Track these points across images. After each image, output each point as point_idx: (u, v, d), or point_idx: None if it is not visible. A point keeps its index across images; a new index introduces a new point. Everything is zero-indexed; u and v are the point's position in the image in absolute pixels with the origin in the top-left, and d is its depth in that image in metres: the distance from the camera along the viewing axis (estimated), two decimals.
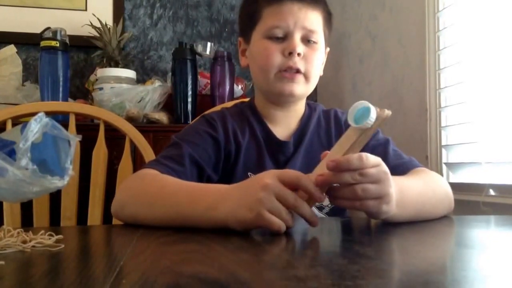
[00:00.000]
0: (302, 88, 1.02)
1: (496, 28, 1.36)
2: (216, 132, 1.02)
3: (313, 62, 1.01)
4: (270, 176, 0.70)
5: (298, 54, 0.98)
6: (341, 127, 1.09)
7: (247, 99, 1.18)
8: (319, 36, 1.02)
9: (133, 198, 0.87)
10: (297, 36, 0.99)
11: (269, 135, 1.06)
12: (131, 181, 0.92)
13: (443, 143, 1.56)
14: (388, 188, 0.72)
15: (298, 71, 0.99)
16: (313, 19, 1.01)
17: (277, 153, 1.04)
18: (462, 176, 1.48)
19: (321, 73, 1.09)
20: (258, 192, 0.68)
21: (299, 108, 1.09)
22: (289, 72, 0.99)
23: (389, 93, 1.86)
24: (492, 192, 1.34)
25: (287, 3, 0.99)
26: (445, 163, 1.54)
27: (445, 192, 0.93)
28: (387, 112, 0.70)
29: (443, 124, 1.56)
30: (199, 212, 0.75)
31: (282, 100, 1.05)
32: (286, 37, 0.99)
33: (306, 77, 1.01)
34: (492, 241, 0.73)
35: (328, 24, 1.06)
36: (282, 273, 0.47)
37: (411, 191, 0.82)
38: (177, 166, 0.93)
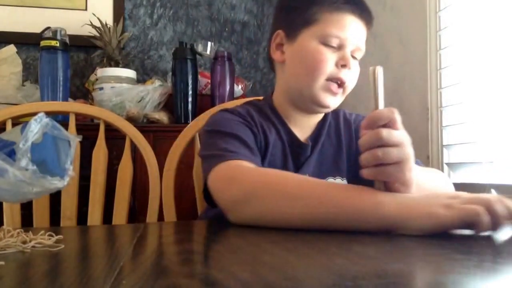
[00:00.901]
0: (338, 101, 1.03)
1: (497, 28, 1.36)
2: (249, 123, 1.01)
3: (355, 78, 1.02)
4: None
5: (349, 68, 0.99)
6: (350, 128, 1.10)
7: (260, 98, 1.16)
8: (362, 54, 1.04)
9: (263, 189, 0.77)
10: (349, 50, 0.99)
11: (291, 137, 1.05)
12: (247, 177, 0.82)
13: (444, 142, 1.56)
14: (407, 152, 0.69)
15: (341, 84, 0.99)
16: (364, 37, 1.03)
17: (298, 155, 1.05)
18: (463, 176, 1.48)
19: None
20: (451, 199, 0.65)
21: (320, 115, 1.10)
22: (335, 83, 0.99)
23: (390, 92, 1.85)
24: (493, 192, 1.33)
25: (350, 16, 0.99)
26: (446, 163, 1.54)
27: (448, 189, 0.95)
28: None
29: (444, 124, 1.56)
30: (364, 206, 0.68)
31: (315, 109, 1.04)
32: (339, 48, 0.99)
33: (344, 91, 1.01)
34: (492, 240, 0.73)
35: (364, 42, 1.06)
36: (282, 273, 0.47)
37: (422, 179, 0.80)
38: (251, 155, 0.90)
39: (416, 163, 1.00)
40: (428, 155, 1.58)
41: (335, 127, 1.10)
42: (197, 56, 2.02)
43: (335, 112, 1.13)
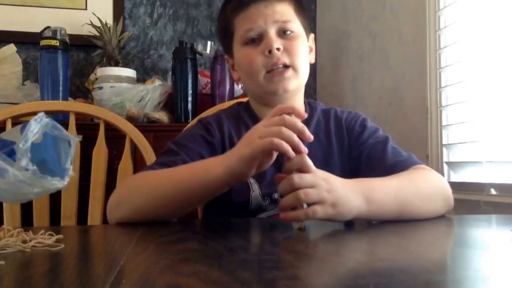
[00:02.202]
0: (294, 82, 1.01)
1: (497, 27, 1.36)
2: (211, 136, 1.02)
3: (296, 52, 1.01)
4: (260, 124, 0.77)
5: (278, 49, 0.98)
6: (341, 126, 1.07)
7: (245, 99, 1.17)
8: (295, 25, 1.02)
9: (127, 194, 0.88)
10: (272, 33, 0.99)
11: None
12: (123, 184, 0.95)
13: (444, 142, 1.56)
14: (325, 191, 0.73)
15: (284, 65, 0.99)
16: (283, 11, 1.01)
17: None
18: (463, 176, 1.48)
19: (312, 61, 1.09)
20: (256, 131, 0.76)
21: (297, 107, 1.08)
22: (276, 70, 0.99)
23: (389, 92, 1.85)
24: (493, 191, 1.34)
25: (252, 6, 1.00)
26: (446, 162, 1.54)
27: (437, 190, 0.91)
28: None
29: (443, 123, 1.56)
30: (196, 178, 0.80)
31: (277, 99, 1.03)
32: (262, 38, 1.00)
33: (295, 69, 1.01)
34: (493, 240, 0.73)
35: (301, 12, 1.06)
36: (282, 273, 0.47)
37: (384, 189, 0.82)
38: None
39: (411, 158, 1.00)
40: (427, 154, 1.58)
41: (324, 125, 1.08)
42: (197, 56, 2.02)
43: (326, 110, 1.12)
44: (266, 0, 1.00)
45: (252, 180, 0.98)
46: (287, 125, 0.74)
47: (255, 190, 0.99)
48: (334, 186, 0.75)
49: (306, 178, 0.72)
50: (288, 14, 1.02)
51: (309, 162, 0.74)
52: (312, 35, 1.10)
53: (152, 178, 0.88)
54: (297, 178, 0.72)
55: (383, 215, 0.81)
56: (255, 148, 0.74)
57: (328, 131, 1.08)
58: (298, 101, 1.08)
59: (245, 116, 1.08)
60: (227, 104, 1.28)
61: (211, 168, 0.79)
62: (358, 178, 0.82)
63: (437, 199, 0.90)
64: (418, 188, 0.88)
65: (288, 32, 1.01)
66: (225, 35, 1.08)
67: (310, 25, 1.09)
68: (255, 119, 1.06)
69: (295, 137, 0.73)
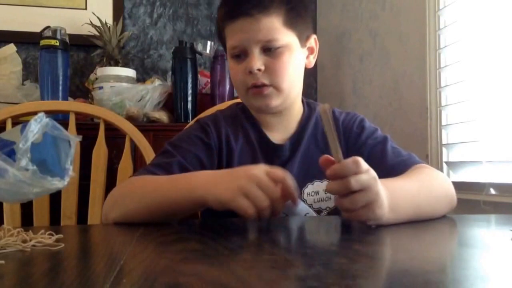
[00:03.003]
0: (276, 99, 1.00)
1: (497, 27, 1.36)
2: (208, 138, 1.02)
3: (280, 71, 0.98)
4: (259, 168, 0.76)
5: (259, 70, 0.97)
6: (338, 127, 1.06)
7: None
8: (282, 39, 0.98)
9: (122, 196, 0.90)
10: (255, 51, 0.97)
11: (263, 139, 1.04)
12: (119, 186, 0.96)
13: (444, 142, 1.56)
14: (378, 193, 0.72)
15: (264, 85, 0.98)
16: (267, 28, 0.97)
17: (272, 157, 1.02)
18: (463, 175, 1.48)
19: (311, 64, 1.07)
20: (241, 179, 0.74)
21: (295, 111, 1.07)
22: (256, 88, 0.99)
23: (389, 91, 1.86)
24: (492, 191, 1.34)
25: (239, 20, 0.98)
26: (445, 162, 1.54)
27: (445, 190, 0.92)
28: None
29: (443, 123, 1.56)
30: (180, 194, 0.81)
31: (262, 113, 1.04)
32: (246, 54, 0.99)
33: (276, 88, 0.99)
34: (492, 240, 0.73)
35: (294, 19, 1.01)
36: (282, 273, 0.47)
37: (404, 193, 0.82)
38: (165, 174, 0.93)
39: (412, 158, 1.00)
40: (427, 154, 1.58)
41: (322, 128, 1.08)
42: (197, 55, 2.02)
43: None
44: (251, 16, 0.97)
45: None
46: (275, 200, 0.74)
47: None
48: (381, 188, 0.73)
49: (362, 180, 0.71)
50: (273, 30, 0.98)
51: (362, 163, 0.72)
52: (313, 36, 1.07)
53: (143, 185, 0.89)
54: (353, 181, 0.70)
55: (399, 219, 0.79)
56: (232, 204, 0.74)
57: (325, 134, 1.07)
58: (294, 111, 1.07)
59: (242, 118, 1.07)
60: (225, 104, 1.28)
61: (195, 189, 0.80)
62: (380, 180, 0.78)
63: (444, 200, 0.91)
64: (431, 190, 0.88)
65: (273, 49, 0.98)
66: (220, 37, 1.10)
67: (312, 26, 1.06)
68: (253, 121, 1.06)
69: (267, 213, 0.74)
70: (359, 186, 0.70)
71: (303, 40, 1.03)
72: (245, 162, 1.00)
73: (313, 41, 1.07)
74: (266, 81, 0.98)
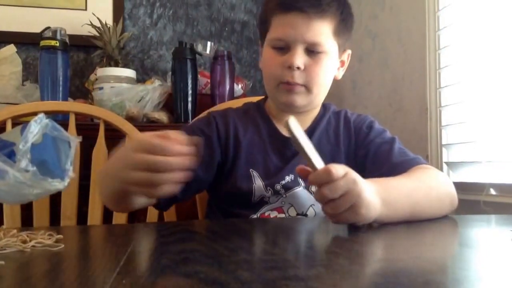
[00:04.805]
0: (304, 99, 1.02)
1: (496, 27, 1.36)
2: (210, 130, 1.04)
3: (316, 74, 1.00)
4: (142, 135, 0.72)
5: (298, 68, 0.98)
6: (349, 127, 1.10)
7: (257, 98, 1.19)
8: (326, 47, 1.00)
9: (101, 179, 0.87)
10: (299, 49, 0.98)
11: (273, 132, 1.07)
12: (105, 164, 0.94)
13: (444, 142, 1.56)
14: (358, 194, 0.71)
15: (297, 83, 0.99)
16: (318, 31, 0.98)
17: (283, 149, 1.05)
18: (463, 175, 1.48)
19: (339, 77, 1.09)
20: (121, 173, 0.71)
21: (312, 113, 1.10)
22: (288, 84, 0.99)
23: (389, 92, 1.86)
24: (492, 191, 1.34)
25: (292, 14, 0.97)
26: (445, 162, 1.54)
27: (445, 190, 0.92)
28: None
29: (443, 123, 1.56)
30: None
31: (284, 109, 1.06)
32: (289, 48, 0.99)
33: (308, 89, 1.01)
34: (493, 240, 0.73)
35: (342, 30, 1.03)
36: (282, 273, 0.47)
37: (399, 190, 0.82)
38: None
39: (416, 159, 1.01)
40: (427, 154, 1.58)
41: (334, 126, 1.11)
42: (197, 56, 2.02)
43: (337, 112, 1.14)
44: (306, 14, 0.97)
45: (254, 173, 1.01)
46: (156, 168, 0.67)
47: (258, 182, 1.01)
48: (362, 189, 0.73)
49: (338, 187, 0.70)
50: (321, 35, 0.99)
51: (335, 173, 0.70)
52: (348, 52, 1.09)
53: (111, 165, 0.83)
54: (327, 190, 0.70)
55: (394, 218, 0.80)
56: (121, 181, 0.73)
57: (337, 130, 1.10)
58: (313, 112, 1.10)
59: (255, 114, 1.10)
60: (238, 102, 1.29)
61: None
62: (374, 179, 0.80)
63: (445, 200, 0.91)
64: (430, 190, 0.89)
65: (316, 52, 0.99)
66: (261, 24, 1.07)
67: (350, 41, 1.08)
68: (266, 119, 1.09)
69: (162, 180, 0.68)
70: (336, 193, 0.70)
71: (341, 51, 1.06)
72: (255, 154, 1.04)
73: (346, 55, 1.10)
74: (300, 81, 0.99)
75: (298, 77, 0.98)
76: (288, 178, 1.01)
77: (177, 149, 0.68)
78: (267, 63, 1.03)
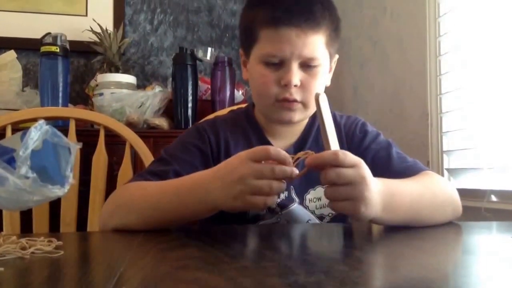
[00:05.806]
0: (301, 115, 0.99)
1: (497, 33, 1.36)
2: (204, 144, 1.01)
3: (313, 89, 0.95)
4: (243, 164, 0.74)
5: (295, 85, 0.94)
6: (339, 132, 1.05)
7: (244, 105, 1.16)
8: (321, 60, 0.96)
9: (119, 207, 0.88)
10: (294, 65, 0.93)
11: (265, 144, 1.03)
12: (115, 193, 0.93)
13: (444, 148, 1.56)
14: (363, 191, 0.72)
15: (295, 100, 0.96)
16: (313, 45, 0.94)
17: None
18: (464, 182, 1.48)
19: (328, 84, 1.05)
20: (236, 186, 0.73)
21: (304, 122, 1.07)
22: (286, 102, 0.96)
23: (390, 98, 1.86)
24: (493, 198, 1.33)
25: (285, 29, 0.92)
26: (446, 169, 1.54)
27: (449, 196, 0.92)
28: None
29: (444, 130, 1.56)
30: (193, 198, 0.80)
31: (280, 124, 1.03)
32: (283, 63, 0.94)
33: (305, 105, 0.97)
34: (494, 247, 0.73)
35: (334, 39, 1.00)
36: (283, 280, 0.47)
37: (404, 195, 0.82)
38: (165, 177, 0.92)
39: (417, 164, 1.00)
40: (428, 160, 1.58)
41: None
42: (197, 62, 2.02)
43: None
44: (301, 29, 0.92)
45: None
46: (277, 175, 0.73)
47: None
48: (368, 187, 0.73)
49: (344, 174, 0.71)
50: (317, 48, 0.95)
51: (341, 156, 0.72)
52: (336, 56, 1.05)
53: (143, 193, 0.87)
54: (333, 174, 0.71)
55: (393, 222, 0.80)
56: (246, 207, 0.76)
57: None
58: (301, 124, 1.07)
59: (244, 123, 1.06)
60: (225, 111, 1.28)
61: (202, 201, 0.79)
62: (384, 179, 0.79)
63: (448, 207, 0.91)
64: (435, 196, 0.88)
65: (312, 66, 0.95)
66: (245, 35, 1.01)
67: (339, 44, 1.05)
68: (256, 130, 1.05)
69: (281, 188, 0.74)
70: (340, 179, 0.71)
71: (331, 60, 1.03)
72: None
73: (334, 60, 1.06)
74: (298, 98, 0.95)
75: (295, 94, 0.95)
76: (282, 196, 0.98)
77: (289, 160, 0.74)
78: (260, 80, 0.97)
